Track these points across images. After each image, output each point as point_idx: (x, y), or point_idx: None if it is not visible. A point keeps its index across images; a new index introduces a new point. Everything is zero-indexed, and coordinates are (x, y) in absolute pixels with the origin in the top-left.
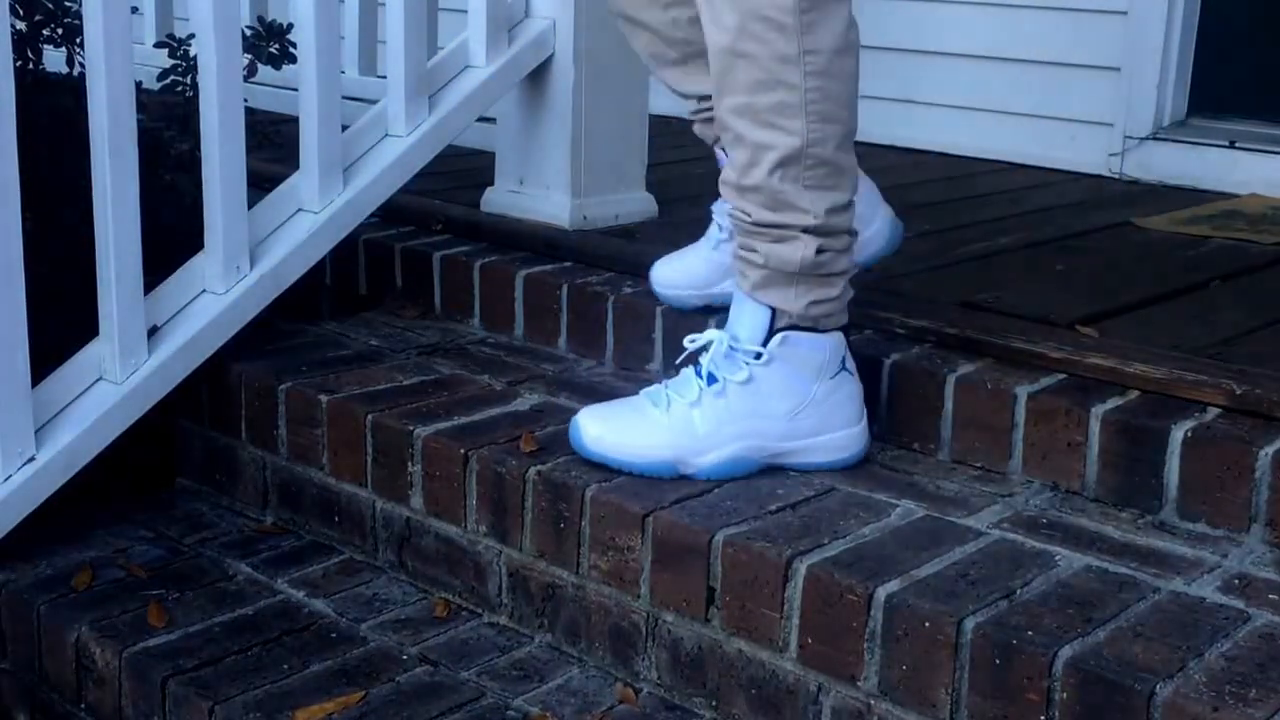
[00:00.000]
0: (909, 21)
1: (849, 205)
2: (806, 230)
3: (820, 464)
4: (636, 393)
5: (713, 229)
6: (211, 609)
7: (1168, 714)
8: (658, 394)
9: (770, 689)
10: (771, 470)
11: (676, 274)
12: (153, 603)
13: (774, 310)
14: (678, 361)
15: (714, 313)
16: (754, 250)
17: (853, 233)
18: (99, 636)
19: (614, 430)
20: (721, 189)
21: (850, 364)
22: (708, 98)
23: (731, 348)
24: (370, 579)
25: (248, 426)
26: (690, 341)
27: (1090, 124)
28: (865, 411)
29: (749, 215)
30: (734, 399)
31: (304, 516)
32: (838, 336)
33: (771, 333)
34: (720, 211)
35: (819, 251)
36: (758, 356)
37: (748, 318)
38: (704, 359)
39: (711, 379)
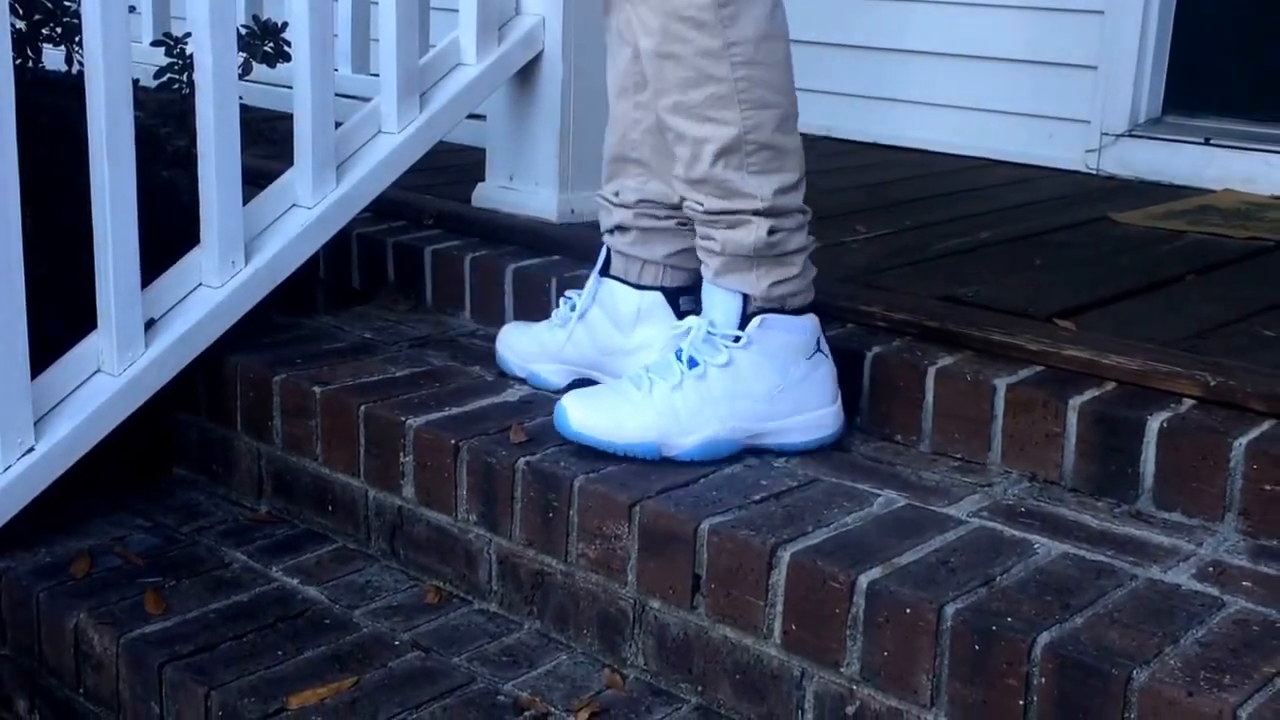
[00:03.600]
0: (891, 21)
1: (797, 184)
2: (757, 213)
3: (799, 444)
4: None
5: (559, 311)
6: (207, 596)
7: (1144, 698)
8: (640, 378)
9: (754, 674)
10: (756, 461)
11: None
12: (150, 590)
13: (745, 295)
14: (660, 348)
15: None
16: (712, 239)
17: (804, 210)
18: (97, 623)
19: (598, 413)
20: (675, 185)
21: (824, 345)
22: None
23: (710, 332)
24: (363, 567)
25: (243, 417)
26: (673, 328)
27: (1068, 121)
28: (839, 392)
29: (702, 205)
30: (714, 381)
31: (298, 506)
32: (812, 319)
33: (746, 317)
34: (573, 293)
35: (771, 232)
36: (736, 340)
37: (720, 304)
38: (684, 344)
39: (693, 362)
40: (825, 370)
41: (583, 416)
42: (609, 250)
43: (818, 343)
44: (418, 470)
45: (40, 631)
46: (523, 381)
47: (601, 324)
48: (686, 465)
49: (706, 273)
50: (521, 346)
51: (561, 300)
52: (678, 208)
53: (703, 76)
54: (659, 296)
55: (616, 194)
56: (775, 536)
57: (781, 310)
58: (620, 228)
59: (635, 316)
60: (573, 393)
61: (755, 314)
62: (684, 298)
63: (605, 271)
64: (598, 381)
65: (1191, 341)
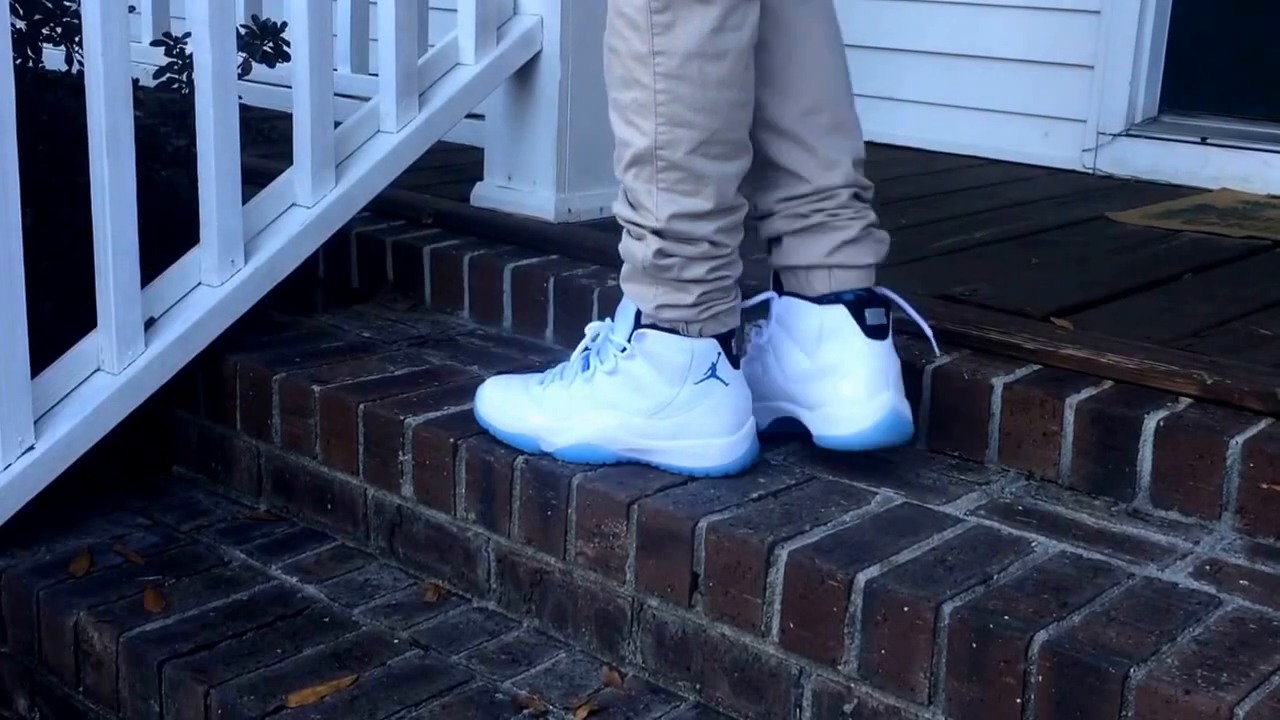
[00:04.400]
0: (888, 20)
1: (709, 214)
2: (652, 231)
3: (686, 469)
4: None
5: (752, 341)
6: (207, 594)
7: (1141, 696)
8: (550, 373)
9: (753, 672)
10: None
11: None
12: (149, 588)
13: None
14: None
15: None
16: (622, 242)
17: (718, 244)
18: (97, 621)
19: (499, 400)
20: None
21: (725, 373)
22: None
23: (608, 337)
24: (362, 565)
25: (242, 416)
26: (590, 328)
27: (1064, 120)
28: (748, 425)
29: (618, 207)
30: (600, 387)
31: (297, 504)
32: (708, 343)
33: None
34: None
35: (659, 254)
36: (623, 350)
37: (624, 309)
38: (592, 346)
39: (586, 364)
40: (719, 399)
41: (486, 401)
42: (776, 272)
43: (713, 368)
44: (416, 469)
45: (40, 629)
46: None
47: (787, 347)
48: None
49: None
50: None
51: (752, 330)
52: (819, 196)
53: (631, 79)
54: (842, 311)
55: (755, 207)
56: (773, 535)
57: (674, 332)
58: (772, 240)
59: (819, 335)
60: (494, 378)
61: (642, 328)
62: (870, 310)
63: (781, 289)
64: (797, 416)
65: (1188, 340)
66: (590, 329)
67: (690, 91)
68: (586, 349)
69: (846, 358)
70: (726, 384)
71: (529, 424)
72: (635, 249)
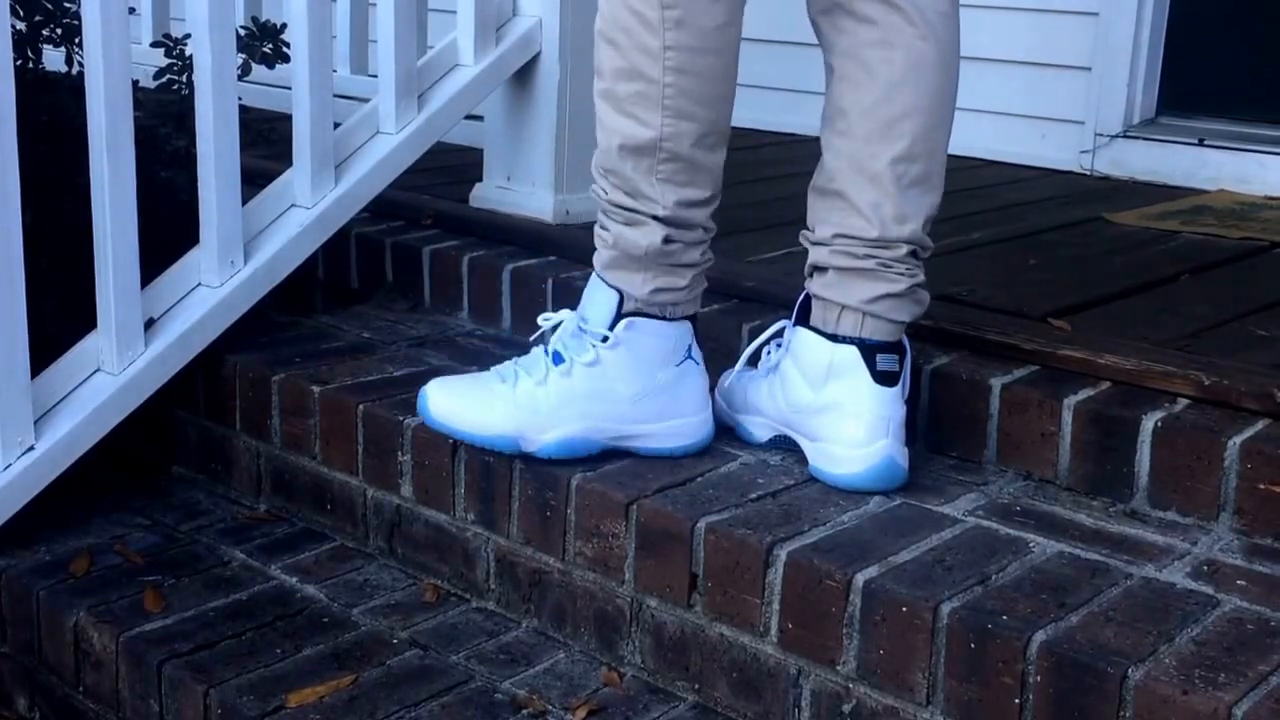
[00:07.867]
0: None
1: (706, 202)
2: (655, 218)
3: (663, 450)
4: None
5: (764, 360)
6: (206, 594)
7: (1139, 696)
8: (507, 370)
9: (751, 672)
10: (752, 459)
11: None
12: (149, 588)
13: (622, 294)
14: (530, 339)
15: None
16: (606, 230)
17: (708, 228)
18: (97, 621)
19: (459, 403)
20: (593, 170)
21: (696, 354)
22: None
23: (580, 328)
24: (361, 565)
25: (242, 416)
26: (544, 320)
27: (1062, 122)
28: (710, 402)
29: (605, 194)
30: (579, 380)
31: (297, 504)
32: (684, 325)
33: (619, 317)
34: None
35: (666, 240)
36: (604, 340)
37: (597, 299)
38: (553, 338)
39: (559, 358)
40: (694, 378)
41: (445, 405)
42: (807, 296)
43: (688, 349)
44: (416, 469)
45: (40, 629)
46: None
47: (793, 378)
48: (683, 463)
49: (596, 263)
50: (732, 395)
51: (774, 346)
52: (879, 244)
53: (634, 71)
54: (854, 352)
55: (813, 229)
56: (772, 535)
57: (658, 316)
58: (817, 268)
59: (826, 372)
60: (437, 380)
61: (627, 315)
62: (883, 355)
63: (803, 320)
64: (796, 441)
65: (1186, 341)
66: (546, 320)
67: (698, 86)
68: (546, 341)
69: (852, 399)
70: (697, 363)
71: (507, 425)
72: (634, 235)
